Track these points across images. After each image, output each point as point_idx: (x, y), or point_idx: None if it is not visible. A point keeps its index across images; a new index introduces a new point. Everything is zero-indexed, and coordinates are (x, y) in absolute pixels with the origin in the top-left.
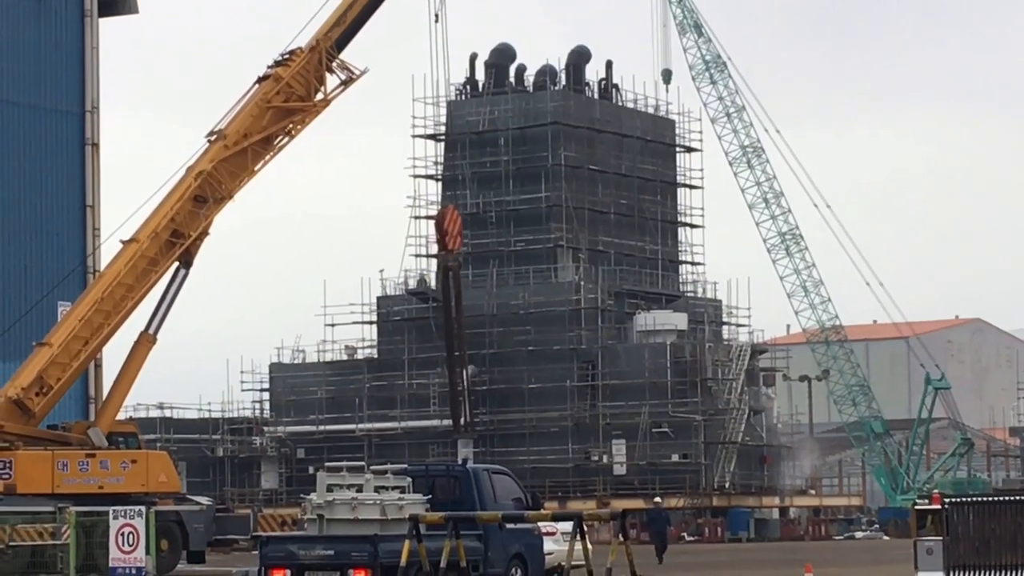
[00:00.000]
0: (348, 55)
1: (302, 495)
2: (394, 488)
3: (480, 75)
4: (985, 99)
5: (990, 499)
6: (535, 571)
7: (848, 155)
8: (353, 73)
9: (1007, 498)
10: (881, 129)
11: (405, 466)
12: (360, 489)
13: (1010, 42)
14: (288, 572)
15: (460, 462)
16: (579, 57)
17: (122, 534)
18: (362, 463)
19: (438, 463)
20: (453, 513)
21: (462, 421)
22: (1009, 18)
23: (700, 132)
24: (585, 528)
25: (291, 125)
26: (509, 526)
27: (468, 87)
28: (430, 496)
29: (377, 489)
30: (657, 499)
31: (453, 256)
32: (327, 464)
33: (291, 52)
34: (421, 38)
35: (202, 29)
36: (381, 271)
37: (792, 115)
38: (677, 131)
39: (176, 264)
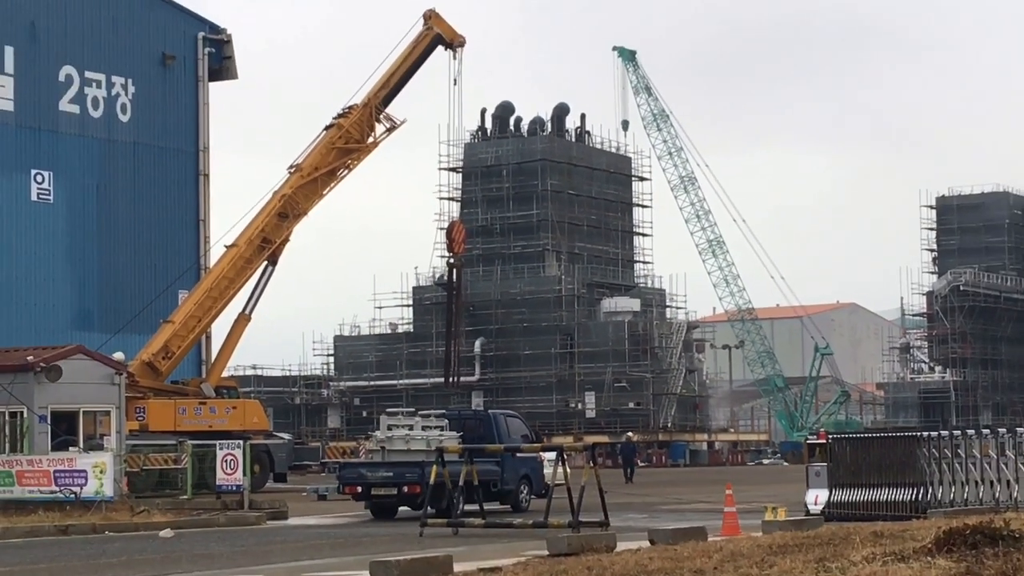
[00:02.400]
0: (392, 109)
1: (369, 432)
2: (436, 427)
3: (488, 124)
4: (856, 137)
5: (862, 436)
6: (537, 487)
7: (761, 179)
8: (395, 123)
9: (874, 435)
10: (786, 159)
11: (444, 411)
12: (411, 428)
13: (873, 91)
14: (359, 489)
15: (475, 408)
16: (561, 111)
17: (226, 460)
18: (412, 409)
19: (467, 409)
20: (468, 445)
21: (452, 380)
22: (873, 71)
23: (649, 166)
24: (565, 457)
25: (350, 161)
26: (519, 455)
27: (480, 133)
28: (462, 433)
29: (424, 428)
30: (629, 434)
31: (458, 258)
32: (388, 409)
33: (349, 107)
34: (444, 96)
35: (283, 90)
36: (416, 268)
37: (719, 149)
38: (633, 165)
39: (266, 263)
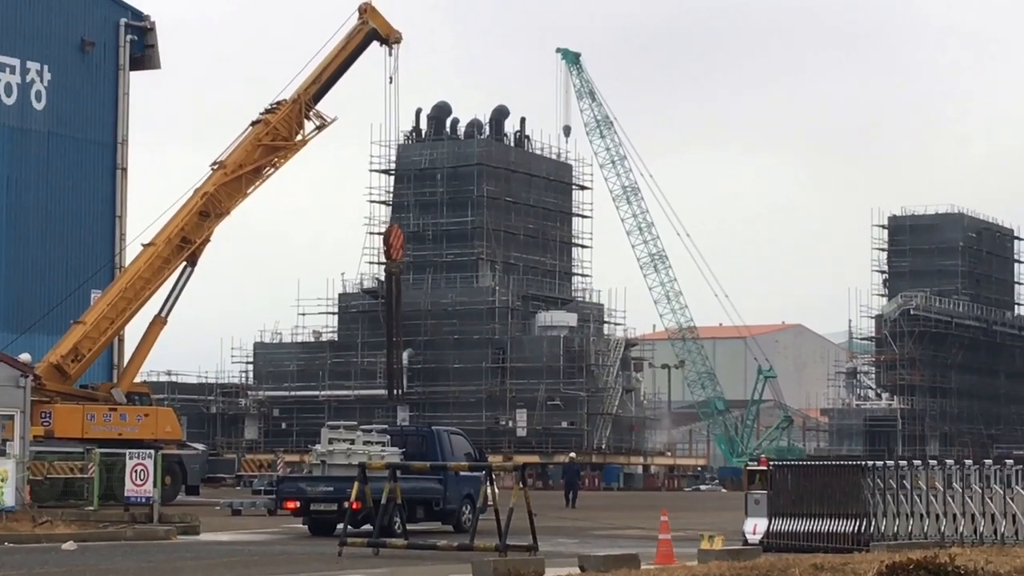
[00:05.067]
0: (322, 106)
1: (308, 446)
2: (377, 443)
3: (423, 125)
4: (809, 147)
5: (804, 463)
6: (481, 507)
7: (706, 190)
8: (326, 120)
9: (816, 463)
10: (733, 169)
11: (386, 426)
12: (353, 442)
13: (829, 100)
14: (298, 503)
15: (399, 424)
16: (500, 113)
17: (135, 471)
18: (355, 423)
19: (410, 426)
20: (392, 463)
21: (395, 392)
22: (830, 81)
23: (591, 175)
24: (494, 477)
25: (276, 159)
26: (463, 473)
27: (414, 134)
28: (404, 450)
29: (365, 443)
30: (572, 454)
31: (395, 264)
32: (328, 423)
33: (278, 102)
34: (378, 95)
35: (208, 82)
36: (342, 274)
37: (663, 156)
38: (574, 173)
39: (184, 263)
